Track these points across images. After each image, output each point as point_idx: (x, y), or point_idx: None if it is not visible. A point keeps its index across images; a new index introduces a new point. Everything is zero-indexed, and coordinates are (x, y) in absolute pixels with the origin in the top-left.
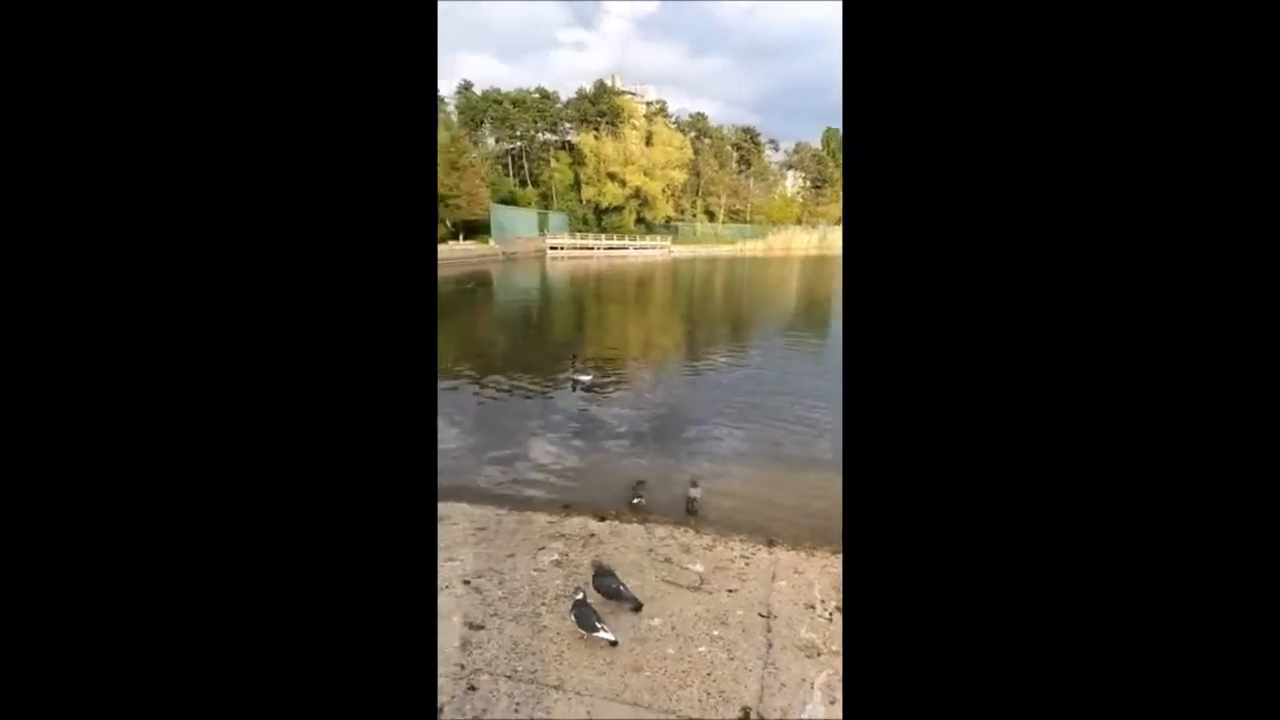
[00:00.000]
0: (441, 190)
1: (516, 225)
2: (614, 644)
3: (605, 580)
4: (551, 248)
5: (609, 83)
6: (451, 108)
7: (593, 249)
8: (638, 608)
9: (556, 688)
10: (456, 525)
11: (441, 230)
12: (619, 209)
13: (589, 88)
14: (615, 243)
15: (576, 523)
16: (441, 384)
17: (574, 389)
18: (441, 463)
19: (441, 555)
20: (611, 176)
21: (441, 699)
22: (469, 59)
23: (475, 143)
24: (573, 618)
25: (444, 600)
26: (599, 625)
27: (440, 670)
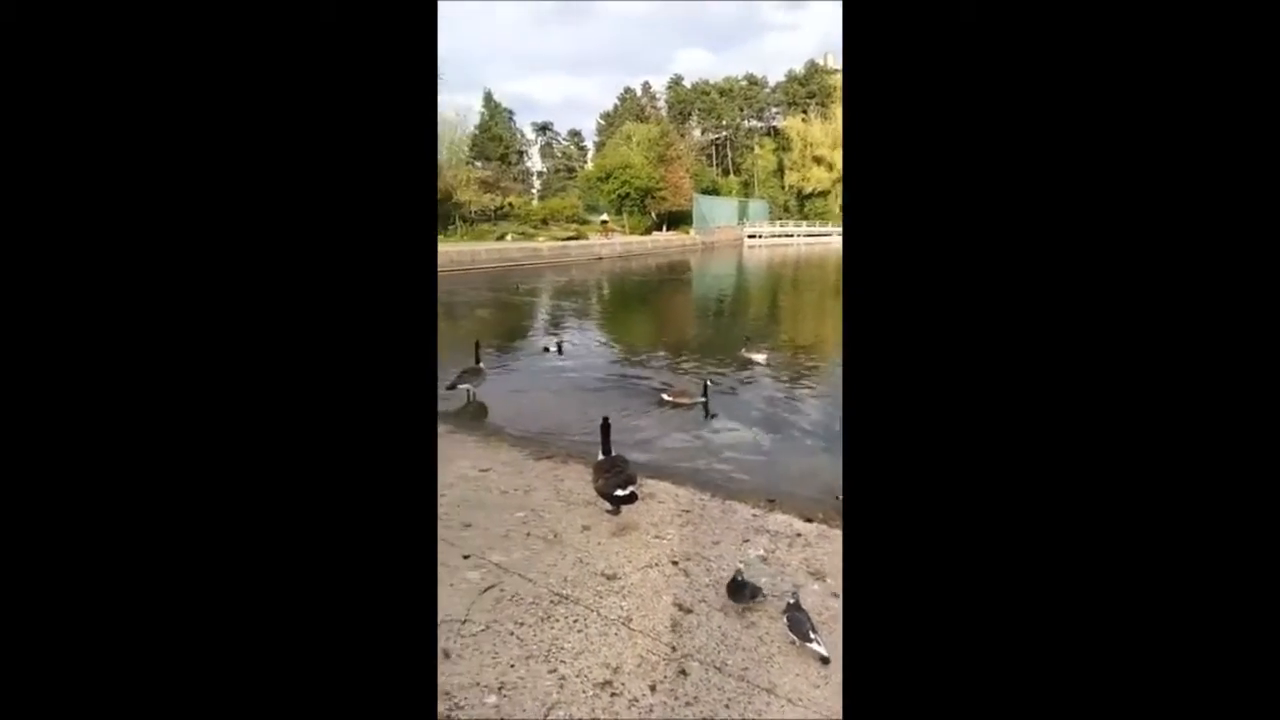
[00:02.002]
0: (649, 183)
1: (717, 214)
2: (826, 661)
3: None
4: (749, 236)
5: (821, 62)
6: (662, 102)
7: (792, 236)
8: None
9: (769, 691)
10: (663, 504)
11: (645, 221)
12: (823, 194)
13: (799, 69)
14: (816, 230)
15: (781, 520)
16: (634, 367)
17: (748, 366)
18: (638, 440)
19: (649, 533)
20: (818, 160)
21: (654, 677)
22: (682, 54)
23: (682, 135)
24: (785, 621)
25: (654, 577)
26: (813, 636)
27: (652, 649)
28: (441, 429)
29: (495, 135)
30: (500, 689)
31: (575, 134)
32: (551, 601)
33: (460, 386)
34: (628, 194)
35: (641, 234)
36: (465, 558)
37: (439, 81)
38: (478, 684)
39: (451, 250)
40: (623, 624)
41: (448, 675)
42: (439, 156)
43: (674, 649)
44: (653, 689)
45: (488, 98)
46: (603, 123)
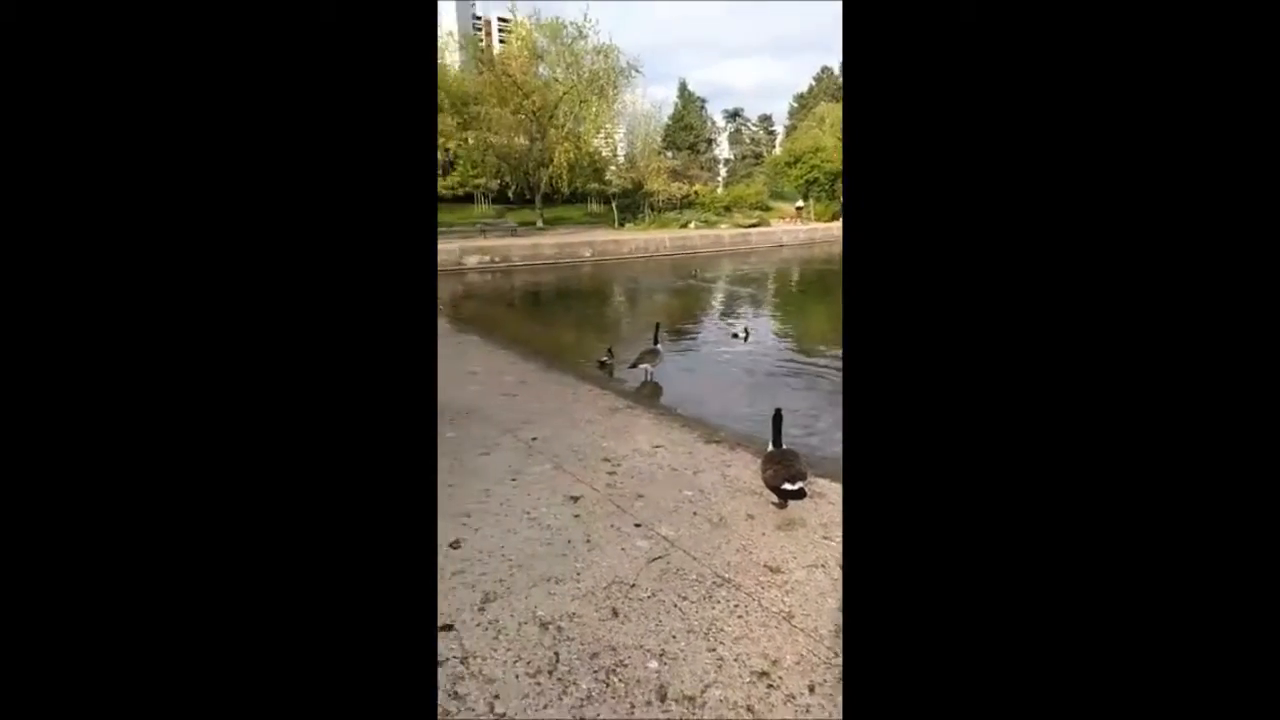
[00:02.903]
0: (840, 167)
1: None
2: None
3: None
4: None
5: None
6: None
7: None
8: None
9: None
10: (833, 505)
11: (834, 207)
12: None
13: None
14: None
15: None
16: (809, 357)
17: None
18: (811, 435)
19: (817, 532)
20: None
21: (813, 678)
22: None
23: None
24: None
25: (819, 578)
26: None
27: (813, 649)
28: (619, 404)
29: (687, 124)
30: (661, 656)
31: (765, 119)
32: (714, 583)
33: (641, 366)
34: (816, 179)
35: (828, 220)
36: (636, 526)
37: (639, 75)
38: (641, 647)
39: (639, 237)
40: (784, 619)
41: (615, 633)
42: (633, 148)
43: (836, 654)
44: (811, 689)
45: (682, 88)
46: (795, 105)
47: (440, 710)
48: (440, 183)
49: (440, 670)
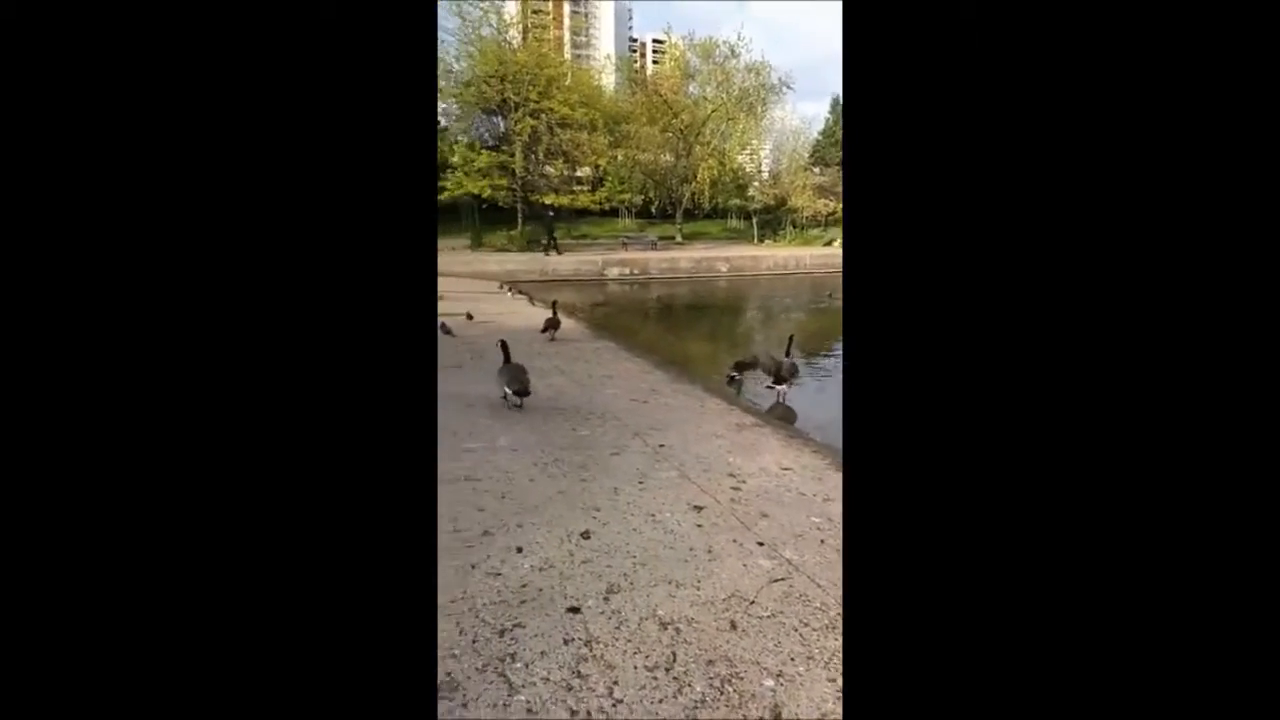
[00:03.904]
0: None
1: None
2: None
3: None
4: None
5: None
6: None
7: None
8: None
9: None
10: None
11: None
12: None
13: None
14: None
15: None
16: None
17: None
18: None
19: None
20: None
21: None
22: None
23: None
24: None
25: None
26: None
27: None
28: (746, 420)
29: (837, 140)
30: (779, 677)
31: None
32: (839, 614)
33: (778, 388)
34: None
35: None
36: (759, 544)
37: (789, 91)
38: (758, 663)
39: (777, 254)
40: None
41: (732, 645)
42: (779, 165)
43: None
44: None
45: (835, 103)
46: None
47: (564, 687)
48: (589, 197)
49: (566, 649)
